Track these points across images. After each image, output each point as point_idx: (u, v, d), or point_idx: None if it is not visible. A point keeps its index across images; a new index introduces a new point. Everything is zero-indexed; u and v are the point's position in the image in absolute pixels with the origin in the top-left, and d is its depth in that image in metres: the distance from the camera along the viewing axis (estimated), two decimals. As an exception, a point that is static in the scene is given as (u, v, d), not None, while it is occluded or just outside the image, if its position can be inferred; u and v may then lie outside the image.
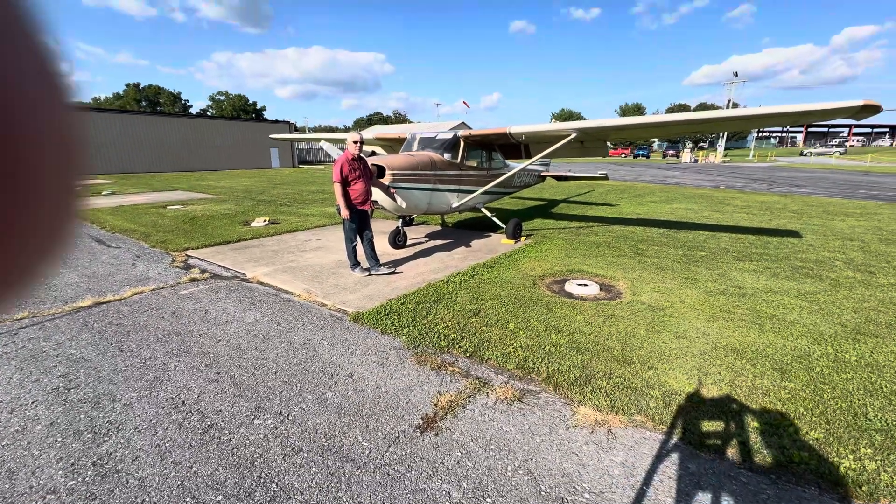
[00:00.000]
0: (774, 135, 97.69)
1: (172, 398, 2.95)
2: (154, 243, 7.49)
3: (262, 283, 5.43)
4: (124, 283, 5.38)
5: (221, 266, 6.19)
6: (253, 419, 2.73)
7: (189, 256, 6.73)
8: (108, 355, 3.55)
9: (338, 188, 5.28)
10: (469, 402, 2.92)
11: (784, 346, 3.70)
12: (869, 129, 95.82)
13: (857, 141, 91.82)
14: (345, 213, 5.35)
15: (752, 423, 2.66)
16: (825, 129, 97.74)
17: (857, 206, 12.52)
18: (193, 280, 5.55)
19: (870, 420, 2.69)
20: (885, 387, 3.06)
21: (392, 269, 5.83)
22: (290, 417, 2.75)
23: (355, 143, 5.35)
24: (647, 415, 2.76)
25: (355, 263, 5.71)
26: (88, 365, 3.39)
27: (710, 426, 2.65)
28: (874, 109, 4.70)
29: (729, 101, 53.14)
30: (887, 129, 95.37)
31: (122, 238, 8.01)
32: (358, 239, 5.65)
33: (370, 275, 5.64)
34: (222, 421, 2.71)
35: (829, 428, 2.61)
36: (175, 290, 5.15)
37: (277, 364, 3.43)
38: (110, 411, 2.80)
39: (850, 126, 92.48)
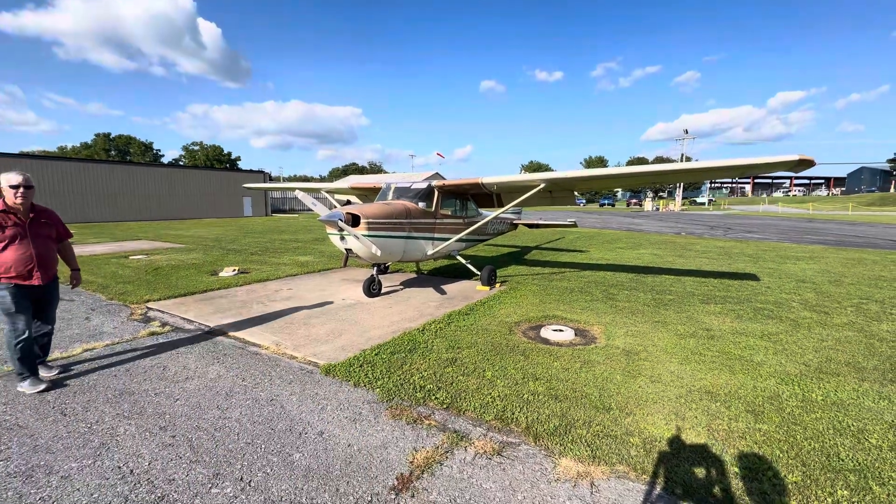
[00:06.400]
0: (726, 185, 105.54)
1: (119, 467, 2.67)
2: (112, 295, 7.08)
3: (227, 336, 5.17)
4: (75, 339, 4.99)
5: (184, 318, 5.88)
6: (210, 488, 2.49)
7: (149, 309, 6.38)
8: (49, 420, 3.21)
9: None
10: (447, 457, 2.78)
11: (754, 387, 3.76)
12: (808, 181, 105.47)
13: (799, 191, 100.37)
14: None
15: (732, 469, 2.64)
16: (770, 181, 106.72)
17: (805, 251, 13.41)
18: (152, 334, 5.22)
19: (842, 460, 2.71)
20: (852, 425, 3.13)
21: (38, 388, 3.70)
22: (253, 484, 2.53)
23: (13, 188, 3.60)
24: (628, 464, 2.69)
25: (32, 369, 3.77)
26: (24, 433, 3.05)
27: (691, 473, 2.60)
28: (809, 163, 5.18)
29: (682, 154, 57.49)
30: (823, 181, 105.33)
31: (77, 290, 7.55)
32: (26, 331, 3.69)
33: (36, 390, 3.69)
34: (175, 491, 2.45)
35: (805, 470, 2.62)
36: (131, 346, 4.81)
37: (241, 423, 3.19)
38: (45, 486, 2.49)
39: (791, 178, 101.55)
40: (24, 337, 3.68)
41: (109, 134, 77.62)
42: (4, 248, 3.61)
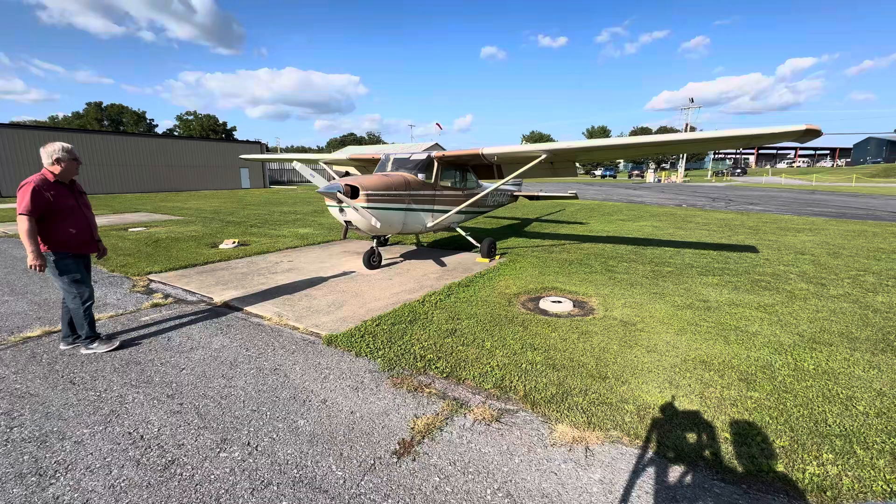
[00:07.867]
0: (729, 156, 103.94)
1: (130, 433, 2.76)
2: (113, 267, 7.11)
3: (230, 307, 5.22)
4: (79, 311, 5.05)
5: (186, 290, 5.93)
6: (219, 452, 2.58)
7: (151, 281, 6.42)
8: (59, 389, 3.30)
9: (25, 223, 3.45)
10: (447, 424, 2.87)
11: (748, 356, 3.84)
12: (812, 152, 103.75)
13: (803, 162, 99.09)
14: (33, 260, 3.52)
15: (722, 434, 2.73)
16: (774, 152, 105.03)
17: (806, 223, 13.37)
18: (155, 305, 5.28)
19: (829, 426, 2.80)
20: (841, 393, 3.21)
21: (112, 346, 3.97)
22: (259, 448, 2.62)
23: (57, 161, 3.64)
24: (622, 430, 2.78)
25: (95, 331, 4.00)
26: (35, 400, 3.13)
27: (683, 438, 2.69)
28: (816, 133, 5.08)
29: (686, 124, 56.40)
30: (828, 152, 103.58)
31: (78, 262, 7.57)
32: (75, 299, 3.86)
33: (79, 349, 3.95)
34: (185, 455, 2.55)
35: (793, 435, 2.71)
36: (135, 317, 4.88)
37: (246, 392, 3.27)
38: (59, 450, 2.58)
39: (796, 148, 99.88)
40: (90, 301, 3.95)
41: (101, 103, 75.70)
42: (66, 218, 3.73)
